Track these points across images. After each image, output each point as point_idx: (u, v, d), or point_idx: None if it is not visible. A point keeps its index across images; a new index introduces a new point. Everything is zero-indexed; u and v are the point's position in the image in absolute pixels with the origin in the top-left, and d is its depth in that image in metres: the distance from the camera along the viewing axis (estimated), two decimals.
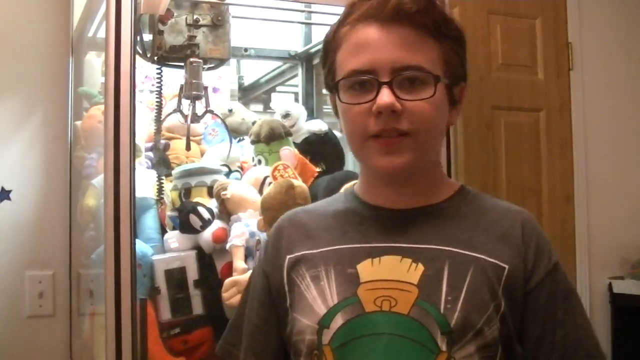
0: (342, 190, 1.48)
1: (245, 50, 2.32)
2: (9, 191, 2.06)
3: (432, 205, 1.05)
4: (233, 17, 1.77)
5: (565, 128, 2.71)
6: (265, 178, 1.82)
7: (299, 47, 2.40)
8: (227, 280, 1.63)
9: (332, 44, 1.05)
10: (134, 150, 1.47)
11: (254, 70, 2.55)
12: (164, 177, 1.85)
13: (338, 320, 0.97)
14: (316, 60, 2.33)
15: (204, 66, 1.73)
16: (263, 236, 1.66)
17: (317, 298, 0.99)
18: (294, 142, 2.02)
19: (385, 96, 0.96)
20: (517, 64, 2.64)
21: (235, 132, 2.03)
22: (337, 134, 2.06)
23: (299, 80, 2.41)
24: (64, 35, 2.13)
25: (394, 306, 0.95)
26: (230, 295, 1.59)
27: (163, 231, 1.78)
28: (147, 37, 1.71)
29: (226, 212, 1.76)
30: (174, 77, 1.87)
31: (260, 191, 1.79)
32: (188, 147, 1.82)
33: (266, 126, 1.94)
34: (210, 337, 1.67)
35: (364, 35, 1.00)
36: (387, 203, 1.06)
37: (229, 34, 1.75)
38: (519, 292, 0.98)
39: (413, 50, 0.98)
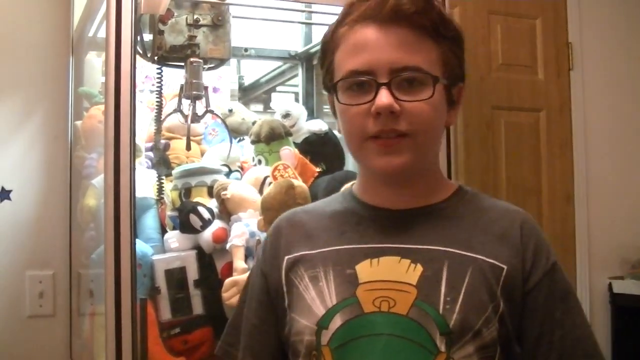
0: (341, 190, 1.48)
1: (246, 50, 2.33)
2: (9, 191, 2.06)
3: (430, 206, 1.05)
4: (233, 17, 1.77)
5: (565, 128, 2.71)
6: (265, 178, 1.82)
7: (299, 47, 2.40)
8: (227, 280, 1.63)
9: (330, 44, 1.05)
10: (134, 150, 1.47)
11: (254, 70, 2.55)
12: (164, 177, 1.85)
13: (337, 321, 0.96)
14: (316, 60, 2.33)
15: (204, 66, 1.73)
16: (263, 236, 1.65)
17: (316, 299, 0.99)
18: (294, 142, 2.02)
19: (384, 97, 0.96)
20: (517, 64, 2.64)
21: (235, 132, 2.03)
22: (337, 134, 2.06)
23: (299, 80, 2.41)
24: (65, 35, 2.13)
25: (392, 307, 0.95)
26: (231, 295, 1.59)
27: (163, 231, 1.78)
28: (148, 37, 1.71)
29: (226, 212, 1.76)
30: (174, 77, 1.87)
31: (261, 191, 1.79)
32: (188, 147, 1.82)
33: (266, 126, 1.94)
34: (210, 337, 1.67)
35: (362, 36, 0.99)
36: (385, 203, 1.06)
37: (229, 34, 1.75)
38: (517, 292, 0.99)
39: (411, 51, 0.98)
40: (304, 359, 0.99)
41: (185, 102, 1.76)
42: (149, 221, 1.76)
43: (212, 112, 1.83)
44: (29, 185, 2.09)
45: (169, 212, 1.79)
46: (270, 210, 1.65)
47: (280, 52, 2.41)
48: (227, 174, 1.92)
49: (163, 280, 1.67)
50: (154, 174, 1.84)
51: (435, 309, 0.94)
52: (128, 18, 1.47)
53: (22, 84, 2.10)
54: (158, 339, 1.63)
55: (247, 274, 1.60)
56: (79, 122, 2.04)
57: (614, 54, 2.83)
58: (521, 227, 1.03)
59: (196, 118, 1.78)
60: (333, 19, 1.07)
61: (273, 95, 2.58)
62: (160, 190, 1.80)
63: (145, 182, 1.80)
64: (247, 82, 2.53)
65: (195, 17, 1.70)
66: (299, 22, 2.31)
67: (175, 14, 1.69)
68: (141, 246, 1.65)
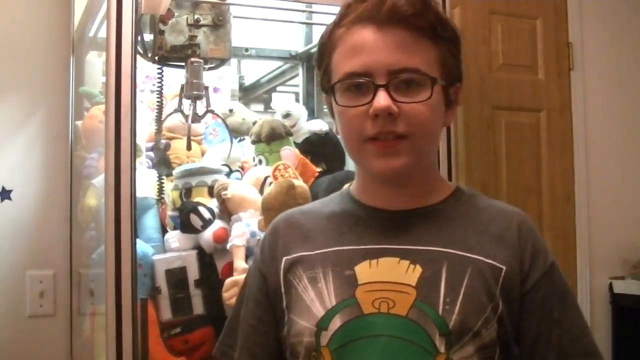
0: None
1: (246, 50, 2.33)
2: (10, 191, 2.06)
3: (428, 207, 1.06)
4: (234, 17, 1.78)
5: (565, 128, 2.71)
6: (266, 178, 1.82)
7: (299, 47, 2.40)
8: (228, 280, 1.63)
9: (327, 45, 1.04)
10: (134, 150, 1.47)
11: (255, 70, 2.55)
12: (164, 177, 1.85)
13: (336, 322, 0.96)
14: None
15: (205, 66, 1.73)
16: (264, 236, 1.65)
17: (315, 300, 0.99)
18: (294, 142, 2.03)
19: (382, 99, 0.96)
20: (517, 64, 2.63)
21: (236, 132, 2.04)
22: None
23: (299, 80, 2.42)
24: (65, 35, 2.13)
25: (392, 308, 0.96)
26: (231, 295, 1.59)
27: (164, 231, 1.78)
28: (148, 37, 1.71)
29: (227, 212, 1.76)
30: (175, 77, 1.87)
31: (261, 191, 1.79)
32: (189, 147, 1.82)
33: (267, 126, 1.94)
34: (211, 337, 1.67)
35: (359, 38, 0.99)
36: (383, 204, 1.06)
37: (230, 33, 1.75)
38: (515, 292, 0.99)
39: (409, 52, 0.98)
40: None
41: (186, 102, 1.76)
42: (150, 221, 1.76)
43: (212, 112, 1.83)
44: (29, 185, 2.08)
45: (169, 212, 1.79)
46: (270, 210, 1.65)
47: (280, 52, 2.42)
48: (228, 174, 1.92)
49: (163, 280, 1.67)
50: (154, 173, 1.84)
51: (434, 310, 0.94)
52: (129, 18, 1.47)
53: (23, 84, 2.10)
54: (158, 339, 1.63)
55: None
56: (79, 122, 2.04)
57: (615, 54, 2.83)
58: (519, 228, 1.03)
59: (197, 118, 1.78)
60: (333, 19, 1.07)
61: (273, 95, 2.58)
62: (160, 190, 1.81)
63: (146, 182, 1.80)
64: (247, 82, 2.53)
65: (196, 17, 1.70)
66: (300, 22, 2.31)
67: (176, 14, 1.69)
68: (142, 246, 1.65)
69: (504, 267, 0.98)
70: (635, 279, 2.64)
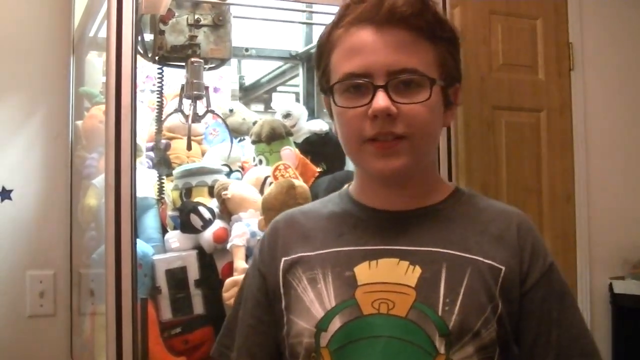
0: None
1: (246, 50, 2.33)
2: (10, 191, 2.06)
3: (427, 207, 1.06)
4: (234, 17, 1.78)
5: (566, 128, 2.71)
6: (266, 178, 1.82)
7: (299, 47, 2.40)
8: (228, 280, 1.63)
9: (326, 46, 1.04)
10: (134, 150, 1.47)
11: (255, 70, 2.55)
12: (164, 177, 1.85)
13: (336, 323, 0.96)
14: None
15: (205, 66, 1.73)
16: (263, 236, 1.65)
17: (315, 301, 0.99)
18: (294, 142, 2.03)
19: (381, 100, 0.96)
20: (518, 64, 2.64)
21: (236, 132, 2.04)
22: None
23: (299, 80, 2.42)
24: (65, 35, 2.13)
25: (391, 309, 0.95)
26: (231, 295, 1.59)
27: (164, 231, 1.78)
28: (148, 37, 1.71)
29: (227, 212, 1.76)
30: (175, 77, 1.87)
31: (261, 191, 1.79)
32: (189, 147, 1.82)
33: (267, 126, 1.94)
34: (211, 337, 1.67)
35: (358, 39, 0.99)
36: (382, 205, 1.06)
37: (230, 33, 1.75)
38: (515, 293, 0.99)
39: (408, 53, 0.98)
40: None
41: (186, 102, 1.76)
42: (150, 221, 1.76)
43: (212, 112, 1.83)
44: (29, 185, 2.08)
45: (169, 212, 1.79)
46: (271, 210, 1.65)
47: (281, 52, 2.42)
48: (228, 174, 1.92)
49: (164, 280, 1.67)
50: (154, 173, 1.84)
51: (434, 311, 0.94)
52: (129, 18, 1.47)
53: (23, 84, 2.10)
54: (159, 339, 1.63)
55: None
56: (79, 122, 2.04)
57: (615, 54, 2.83)
58: (518, 228, 1.03)
59: (197, 118, 1.78)
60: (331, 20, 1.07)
61: (274, 95, 2.58)
62: (161, 190, 1.81)
63: (146, 182, 1.80)
64: (247, 82, 2.53)
65: (196, 17, 1.70)
66: (300, 22, 2.31)
67: (176, 14, 1.69)
68: (142, 246, 1.65)
69: (503, 268, 0.98)
70: (636, 279, 2.64)
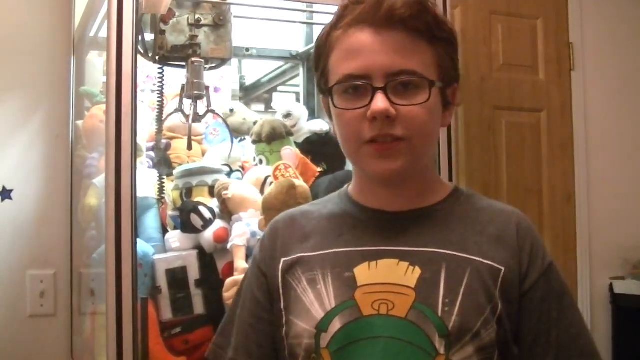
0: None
1: (247, 50, 2.33)
2: (11, 190, 2.06)
3: (426, 208, 1.06)
4: (235, 16, 1.77)
5: (566, 128, 2.71)
6: (266, 178, 1.82)
7: (300, 47, 2.40)
8: (228, 280, 1.63)
9: (324, 47, 1.04)
10: (135, 150, 1.47)
11: (256, 70, 2.55)
12: (165, 177, 1.85)
13: (336, 324, 0.96)
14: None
15: (206, 66, 1.73)
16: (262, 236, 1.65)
17: (315, 302, 0.99)
18: (295, 142, 2.02)
19: (380, 102, 0.96)
20: (518, 64, 2.64)
21: (236, 132, 2.03)
22: None
23: (300, 80, 2.42)
24: (66, 35, 2.13)
25: (391, 309, 0.96)
26: (231, 295, 1.59)
27: (164, 231, 1.78)
28: (149, 36, 1.71)
29: (227, 211, 1.76)
30: (176, 76, 1.87)
31: (262, 191, 1.79)
32: (189, 147, 1.82)
33: (267, 126, 1.94)
34: (211, 337, 1.62)
35: (357, 40, 0.99)
36: (381, 205, 1.06)
37: (231, 33, 1.75)
38: (514, 293, 0.99)
39: (406, 54, 0.98)
40: None
41: (187, 102, 1.76)
42: (150, 221, 1.76)
43: (213, 111, 1.83)
44: (30, 184, 2.09)
45: (170, 212, 1.79)
46: (271, 210, 1.65)
47: (281, 52, 2.41)
48: (228, 174, 1.92)
49: (164, 279, 1.67)
50: (155, 173, 1.84)
51: (433, 312, 0.94)
52: (129, 18, 1.47)
53: (24, 84, 2.10)
54: (159, 339, 1.63)
55: None
56: (80, 122, 2.04)
57: (615, 54, 2.83)
58: (517, 228, 1.03)
59: (197, 118, 1.78)
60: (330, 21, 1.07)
61: (274, 95, 2.58)
62: (161, 190, 1.81)
63: (147, 181, 1.80)
64: (248, 82, 2.53)
65: (197, 16, 1.70)
66: (300, 22, 2.31)
67: (177, 13, 1.69)
68: (142, 246, 1.65)
69: (502, 268, 0.98)
70: (636, 279, 2.65)
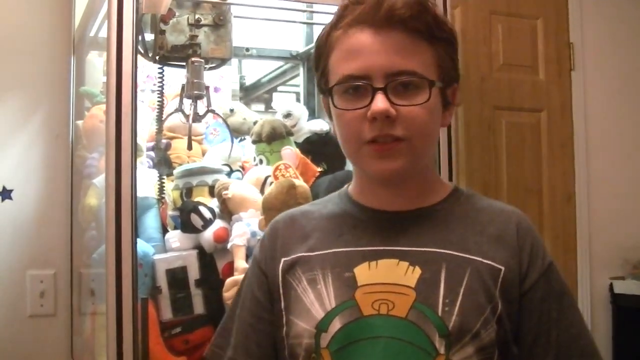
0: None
1: (247, 50, 2.33)
2: (11, 190, 2.06)
3: (426, 208, 1.06)
4: (235, 16, 1.77)
5: (566, 128, 2.71)
6: (266, 178, 1.82)
7: (300, 47, 2.40)
8: (229, 280, 1.63)
9: (324, 47, 1.04)
10: (135, 150, 1.47)
11: (256, 70, 2.55)
12: (165, 177, 1.85)
13: (336, 324, 0.96)
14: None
15: (206, 66, 1.73)
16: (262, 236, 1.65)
17: (315, 302, 0.99)
18: (295, 142, 2.03)
19: (380, 102, 0.96)
20: (518, 64, 2.64)
21: (236, 132, 2.03)
22: None
23: (300, 80, 2.42)
24: (66, 35, 2.13)
25: (391, 309, 0.96)
26: (232, 295, 1.59)
27: (164, 231, 1.78)
28: (149, 36, 1.71)
29: (227, 211, 1.76)
30: (176, 76, 1.87)
31: (262, 191, 1.79)
32: (189, 147, 1.82)
33: (267, 126, 1.94)
34: (211, 337, 1.65)
35: (357, 41, 0.99)
36: (381, 205, 1.06)
37: (231, 33, 1.75)
38: (514, 293, 0.99)
39: (407, 55, 0.98)
40: None
41: (187, 102, 1.76)
42: (150, 221, 1.76)
43: (213, 111, 1.83)
44: (30, 184, 2.09)
45: (170, 212, 1.79)
46: (271, 209, 1.65)
47: (281, 52, 2.41)
48: (229, 174, 1.92)
49: (164, 279, 1.67)
50: (155, 173, 1.84)
51: (433, 312, 0.94)
52: (129, 18, 1.47)
53: (24, 84, 2.10)
54: (159, 339, 1.63)
55: None
56: (80, 122, 2.04)
57: (616, 54, 2.83)
58: (517, 228, 1.03)
59: (197, 118, 1.78)
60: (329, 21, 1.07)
61: (274, 95, 2.58)
62: (161, 189, 1.81)
63: (147, 181, 1.80)
64: (248, 81, 2.53)
65: (197, 16, 1.70)
66: (301, 22, 2.31)
67: (177, 13, 1.69)
68: (142, 246, 1.65)
69: (502, 268, 0.98)
70: (636, 279, 2.65)
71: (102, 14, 1.71)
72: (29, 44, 2.10)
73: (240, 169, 1.98)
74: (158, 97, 1.78)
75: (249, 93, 2.53)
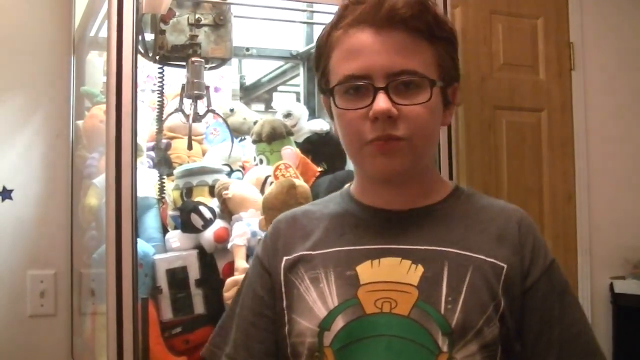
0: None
1: (247, 49, 2.32)
2: (11, 190, 2.06)
3: (427, 207, 1.06)
4: (235, 16, 1.77)
5: (566, 128, 2.71)
6: (266, 177, 1.82)
7: (300, 47, 2.40)
8: (229, 280, 1.63)
9: (325, 47, 1.04)
10: (135, 150, 1.46)
11: (256, 70, 2.55)
12: (165, 177, 1.85)
13: (339, 323, 0.97)
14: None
15: (206, 66, 1.73)
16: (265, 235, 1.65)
17: (317, 300, 0.99)
18: (295, 142, 2.02)
19: (382, 102, 0.96)
20: (518, 63, 2.64)
21: (236, 132, 2.03)
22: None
23: (300, 79, 2.41)
24: (66, 35, 2.13)
25: (394, 308, 0.96)
26: (232, 295, 1.59)
27: (164, 230, 1.78)
28: (149, 36, 1.71)
29: (228, 211, 1.76)
30: (176, 76, 1.87)
31: (262, 191, 1.79)
32: (190, 147, 1.82)
33: (268, 126, 1.94)
34: None
35: (357, 41, 0.99)
36: (383, 204, 1.06)
37: (231, 33, 1.75)
38: (516, 290, 0.99)
39: (407, 54, 0.98)
40: None
41: (187, 102, 1.76)
42: (151, 221, 1.76)
43: (213, 111, 1.83)
44: (30, 184, 2.09)
45: (170, 212, 1.79)
46: (272, 209, 1.65)
47: (281, 51, 2.41)
48: (229, 174, 1.92)
49: (164, 279, 1.67)
50: (155, 173, 1.83)
51: (436, 310, 0.94)
52: (129, 18, 1.47)
53: (24, 84, 2.10)
54: (159, 339, 1.63)
55: None
56: (80, 122, 2.04)
57: (616, 54, 2.83)
58: (519, 226, 1.03)
59: (197, 117, 1.78)
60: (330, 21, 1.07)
61: (274, 94, 2.58)
62: (161, 189, 1.81)
63: (147, 181, 1.80)
64: (248, 81, 2.53)
65: (197, 16, 1.70)
66: (301, 22, 2.31)
67: (177, 13, 1.69)
68: (142, 246, 1.65)
69: (505, 266, 0.99)
70: (636, 278, 2.65)
71: (102, 14, 1.71)
72: (29, 44, 2.10)
73: (241, 169, 1.98)
74: (158, 97, 1.78)
75: (249, 93, 2.53)
